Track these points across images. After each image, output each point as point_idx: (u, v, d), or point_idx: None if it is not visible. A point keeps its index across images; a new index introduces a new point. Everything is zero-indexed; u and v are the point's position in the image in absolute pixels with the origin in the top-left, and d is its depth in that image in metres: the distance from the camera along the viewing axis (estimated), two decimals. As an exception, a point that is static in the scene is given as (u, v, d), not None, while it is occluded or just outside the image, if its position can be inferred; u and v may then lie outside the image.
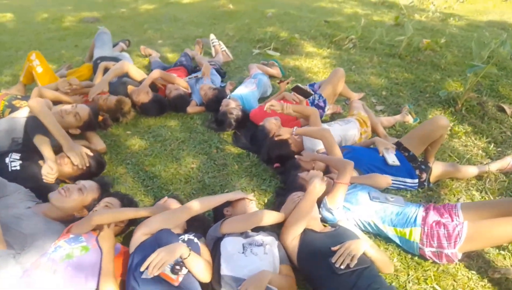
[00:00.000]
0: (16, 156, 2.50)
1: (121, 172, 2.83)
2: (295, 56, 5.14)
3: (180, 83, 3.76)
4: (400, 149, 2.79)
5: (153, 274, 1.63)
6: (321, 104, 3.41)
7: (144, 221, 1.97)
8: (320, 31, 6.15)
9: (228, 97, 3.56)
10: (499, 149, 3.15)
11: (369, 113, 3.33)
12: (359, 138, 3.11)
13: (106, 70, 3.70)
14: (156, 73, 3.63)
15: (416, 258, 2.13)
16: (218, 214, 2.26)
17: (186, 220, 2.13)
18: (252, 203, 2.25)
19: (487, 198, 2.64)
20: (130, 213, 2.09)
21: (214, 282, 1.82)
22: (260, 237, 1.98)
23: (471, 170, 2.82)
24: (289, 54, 5.24)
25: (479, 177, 2.82)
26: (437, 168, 2.74)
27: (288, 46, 5.47)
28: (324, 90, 3.44)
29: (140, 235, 1.90)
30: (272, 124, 2.98)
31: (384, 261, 1.95)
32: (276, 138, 2.85)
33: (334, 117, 3.67)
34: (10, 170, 2.43)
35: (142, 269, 1.65)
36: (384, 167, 2.65)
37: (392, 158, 2.66)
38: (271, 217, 2.10)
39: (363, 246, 1.84)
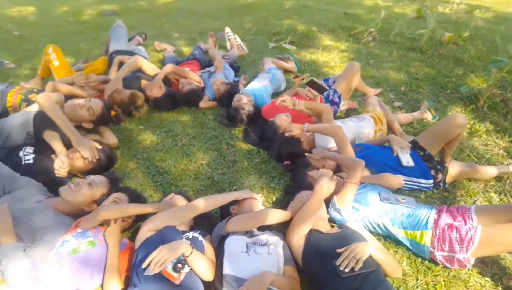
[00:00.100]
0: (29, 149, 2.55)
1: (132, 167, 2.85)
2: (311, 50, 5.06)
3: (193, 77, 3.75)
4: (415, 148, 2.70)
5: (154, 272, 1.63)
6: (336, 99, 3.34)
7: (150, 218, 1.97)
8: (339, 24, 6.03)
9: (240, 92, 3.53)
10: (522, 149, 3.01)
11: (385, 109, 3.24)
12: (373, 136, 3.03)
13: (121, 64, 3.73)
14: (169, 68, 3.63)
15: (426, 262, 2.06)
16: (225, 212, 2.24)
17: (192, 218, 2.13)
18: (258, 202, 2.22)
19: (506, 201, 2.53)
20: (136, 209, 2.10)
21: (216, 281, 1.81)
22: (264, 237, 1.95)
23: (490, 171, 2.71)
24: (306, 48, 5.16)
25: (498, 179, 2.70)
26: (453, 168, 2.64)
27: (305, 40, 5.38)
28: (339, 85, 3.36)
29: (145, 231, 1.91)
30: (282, 121, 2.94)
31: (392, 265, 1.89)
32: (287, 135, 2.80)
33: (349, 113, 3.59)
34: (23, 163, 2.48)
35: (143, 266, 1.66)
36: (398, 167, 2.57)
37: (406, 159, 2.58)
38: (276, 216, 2.07)
39: (369, 249, 1.79)
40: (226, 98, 3.51)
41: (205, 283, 1.82)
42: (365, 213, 2.20)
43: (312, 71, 4.46)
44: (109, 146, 2.90)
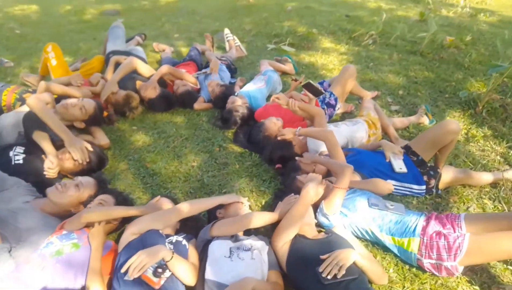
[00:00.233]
0: (20, 149, 2.54)
1: (122, 168, 2.84)
2: (311, 52, 5.03)
3: (189, 79, 3.74)
4: (408, 153, 2.66)
5: (133, 276, 1.62)
6: (332, 102, 3.31)
7: (134, 221, 1.96)
8: (340, 26, 5.99)
9: (236, 94, 3.51)
10: (520, 155, 2.96)
11: (381, 113, 3.20)
12: (367, 140, 3.00)
13: (117, 64, 3.72)
14: (164, 69, 3.62)
15: (414, 269, 2.03)
16: (212, 215, 2.22)
17: (179, 220, 2.11)
18: (245, 205, 2.20)
19: (500, 208, 2.49)
20: (120, 212, 2.09)
21: (198, 286, 1.79)
22: (249, 242, 1.93)
23: (486, 177, 2.67)
24: (305, 50, 5.13)
25: (493, 185, 2.67)
26: (447, 174, 2.60)
27: (305, 42, 5.36)
28: (334, 88, 3.34)
29: (128, 235, 1.89)
30: (271, 124, 2.92)
31: (377, 272, 1.86)
32: (279, 138, 2.78)
33: (344, 116, 3.56)
34: (13, 163, 2.47)
35: (122, 270, 1.65)
36: (390, 172, 2.54)
37: (399, 165, 2.54)
38: (262, 219, 2.05)
39: (352, 256, 1.76)
40: (221, 100, 3.49)
41: (188, 288, 1.80)
42: (353, 219, 2.17)
43: (310, 73, 4.44)
44: (101, 147, 2.90)
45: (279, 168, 2.76)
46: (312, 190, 2.04)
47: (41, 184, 2.38)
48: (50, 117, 2.57)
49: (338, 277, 1.68)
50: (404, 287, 1.95)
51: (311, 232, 2.05)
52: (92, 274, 1.82)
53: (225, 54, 4.65)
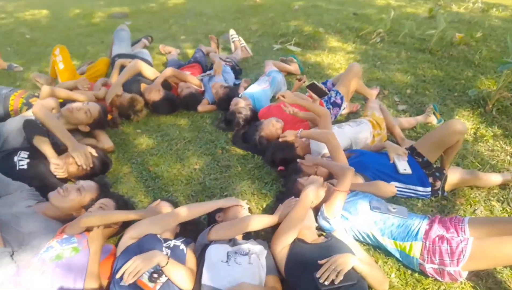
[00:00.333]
0: (24, 155, 2.58)
1: (125, 171, 2.86)
2: (317, 52, 4.98)
3: (193, 81, 3.74)
4: (413, 154, 2.61)
5: (128, 282, 1.62)
6: (338, 101, 3.25)
7: (133, 225, 1.96)
8: (347, 25, 5.92)
9: (240, 96, 3.50)
10: (531, 155, 2.88)
11: (386, 113, 3.14)
12: (371, 141, 2.95)
13: (122, 67, 3.76)
14: (168, 71, 3.63)
15: (416, 274, 1.98)
16: (211, 219, 2.21)
17: (178, 224, 2.11)
18: (244, 209, 2.18)
19: (508, 210, 2.41)
20: (119, 216, 2.09)
21: (195, 291, 1.78)
22: (247, 246, 1.91)
23: (494, 178, 2.59)
24: (311, 49, 5.08)
25: (502, 186, 2.59)
26: (453, 176, 2.53)
27: (311, 41, 5.31)
28: (338, 88, 3.29)
29: (127, 239, 1.90)
30: (269, 124, 2.90)
31: (377, 277, 1.82)
32: (280, 140, 2.76)
33: (349, 116, 3.51)
34: (17, 169, 2.51)
35: (117, 276, 1.65)
36: (393, 174, 2.50)
37: (403, 166, 2.49)
38: (261, 222, 2.03)
39: (351, 261, 1.73)
40: (224, 101, 3.48)
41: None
42: (354, 222, 2.13)
43: (316, 73, 4.40)
44: (105, 150, 2.92)
45: (282, 170, 2.74)
46: (312, 193, 2.02)
47: (45, 188, 2.40)
48: (54, 124, 2.61)
49: (336, 283, 1.64)
50: (405, 292, 1.91)
51: (311, 236, 2.02)
52: (90, 278, 1.83)
53: (230, 55, 4.64)
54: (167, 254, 1.80)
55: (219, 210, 2.18)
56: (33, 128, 2.57)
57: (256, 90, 3.59)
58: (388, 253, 2.09)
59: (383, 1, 7.53)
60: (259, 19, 6.44)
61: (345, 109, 3.46)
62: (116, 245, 2.11)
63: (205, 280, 1.75)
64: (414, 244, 1.95)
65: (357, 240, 2.14)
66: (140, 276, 1.66)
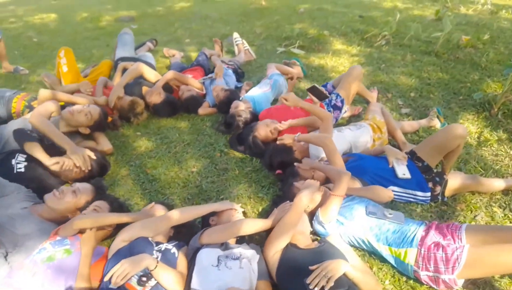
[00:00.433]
0: (21, 158, 2.59)
1: (123, 173, 2.86)
2: (321, 54, 4.95)
3: (194, 84, 3.74)
4: (413, 158, 2.56)
5: (117, 285, 1.61)
6: (339, 104, 3.22)
7: (125, 228, 1.96)
8: (352, 27, 5.87)
9: (240, 99, 3.49)
10: (536, 160, 2.80)
11: (388, 117, 3.10)
12: (372, 145, 2.91)
13: (124, 70, 3.78)
14: (169, 74, 3.64)
15: (411, 281, 1.94)
16: (205, 222, 2.20)
17: (172, 227, 2.10)
18: (238, 213, 2.17)
19: (510, 217, 2.35)
20: (112, 219, 2.09)
21: (184, 295, 1.77)
22: (239, 250, 1.89)
23: (497, 184, 2.53)
24: (315, 52, 5.05)
25: (505, 192, 2.52)
26: (454, 181, 2.47)
27: (316, 44, 5.28)
28: (339, 90, 3.25)
29: (119, 242, 1.90)
30: (263, 125, 2.89)
31: (370, 284, 1.78)
32: (278, 143, 2.74)
33: (351, 120, 3.47)
34: (15, 171, 2.53)
35: (105, 279, 1.64)
36: (392, 178, 2.45)
37: (402, 170, 2.45)
38: (254, 226, 2.01)
39: (342, 267, 1.69)
40: (225, 104, 3.47)
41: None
42: (349, 227, 2.10)
43: (320, 76, 4.36)
44: (104, 152, 2.93)
45: (279, 174, 2.71)
46: (305, 197, 1.99)
47: (42, 191, 2.41)
48: (52, 130, 2.63)
49: (326, 289, 1.62)
50: (400, 299, 1.87)
51: (304, 241, 1.99)
52: (81, 280, 1.83)
53: (233, 59, 4.64)
54: (157, 257, 1.79)
55: (213, 213, 2.17)
56: (21, 136, 2.58)
57: (257, 93, 3.58)
58: (383, 259, 2.05)
59: (390, 4, 7.46)
60: (264, 22, 6.43)
61: (346, 112, 3.42)
62: (110, 247, 2.12)
63: (195, 284, 1.73)
64: (409, 250, 1.91)
65: (352, 245, 2.10)
66: (129, 280, 1.65)
